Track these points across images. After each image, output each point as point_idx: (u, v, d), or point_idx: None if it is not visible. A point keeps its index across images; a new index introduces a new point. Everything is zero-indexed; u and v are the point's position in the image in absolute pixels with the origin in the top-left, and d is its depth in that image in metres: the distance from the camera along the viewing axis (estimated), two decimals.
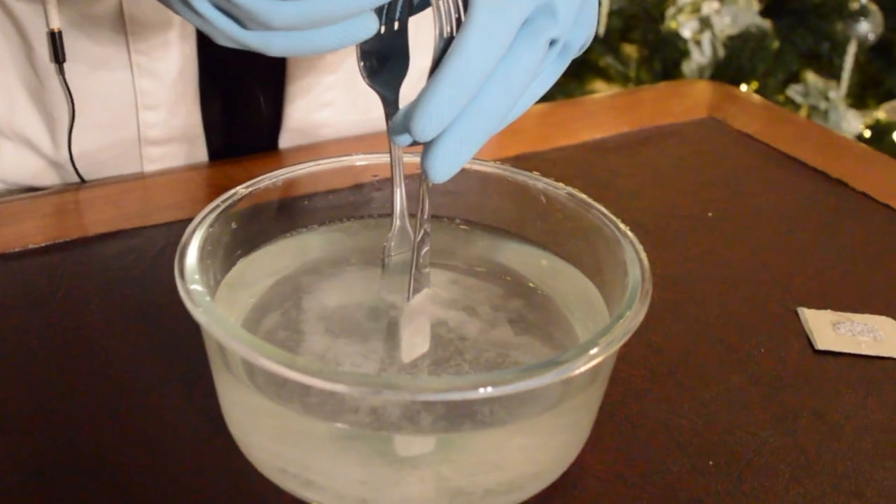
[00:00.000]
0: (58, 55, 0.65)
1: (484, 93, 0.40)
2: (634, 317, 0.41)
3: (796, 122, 0.96)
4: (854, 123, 1.82)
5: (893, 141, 1.99)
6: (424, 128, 0.39)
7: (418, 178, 0.45)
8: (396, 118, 0.42)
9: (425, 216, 0.47)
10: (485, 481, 0.42)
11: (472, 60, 0.38)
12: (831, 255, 0.67)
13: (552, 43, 0.42)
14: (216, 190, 0.71)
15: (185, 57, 0.69)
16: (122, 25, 0.66)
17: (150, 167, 0.73)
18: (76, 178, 0.71)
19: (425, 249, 0.48)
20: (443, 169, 0.40)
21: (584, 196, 0.50)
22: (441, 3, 0.40)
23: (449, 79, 0.38)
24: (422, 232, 0.47)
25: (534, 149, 0.80)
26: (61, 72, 0.66)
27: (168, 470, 0.45)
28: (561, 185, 0.51)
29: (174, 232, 0.63)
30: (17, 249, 0.60)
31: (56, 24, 0.65)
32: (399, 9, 0.45)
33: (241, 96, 0.77)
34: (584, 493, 0.45)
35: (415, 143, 0.41)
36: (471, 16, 0.39)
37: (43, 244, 0.61)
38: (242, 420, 0.44)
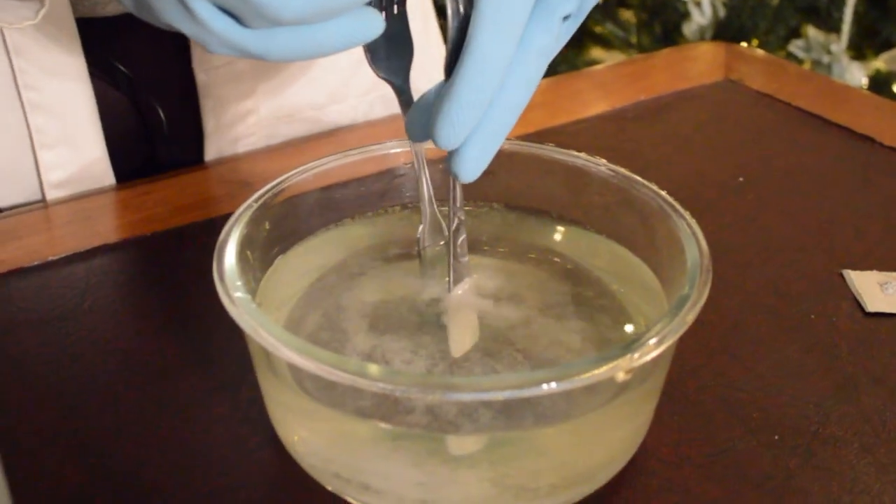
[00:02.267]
0: None
1: (504, 88, 0.38)
2: (700, 296, 0.39)
3: (812, 78, 0.94)
4: (857, 75, 1.81)
5: (893, 91, 1.97)
6: (448, 137, 0.38)
7: (445, 167, 0.43)
8: (411, 116, 0.41)
9: (457, 204, 0.45)
10: (549, 476, 0.41)
11: (489, 60, 0.37)
12: (868, 213, 0.66)
13: (565, 18, 0.40)
14: (234, 187, 0.69)
15: (79, 85, 0.65)
16: (8, 58, 0.62)
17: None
18: None
19: (461, 238, 0.46)
20: (472, 170, 0.39)
21: (627, 171, 0.48)
22: None
23: (467, 83, 0.37)
24: (456, 221, 0.46)
25: (550, 124, 0.78)
26: None
27: (218, 484, 0.43)
28: (601, 160, 0.49)
29: (198, 233, 0.62)
30: (36, 262, 0.59)
31: None
32: None
33: (149, 122, 0.72)
34: (651, 478, 0.43)
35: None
36: (479, 7, 0.37)
37: (64, 255, 0.59)
38: (294, 426, 0.43)
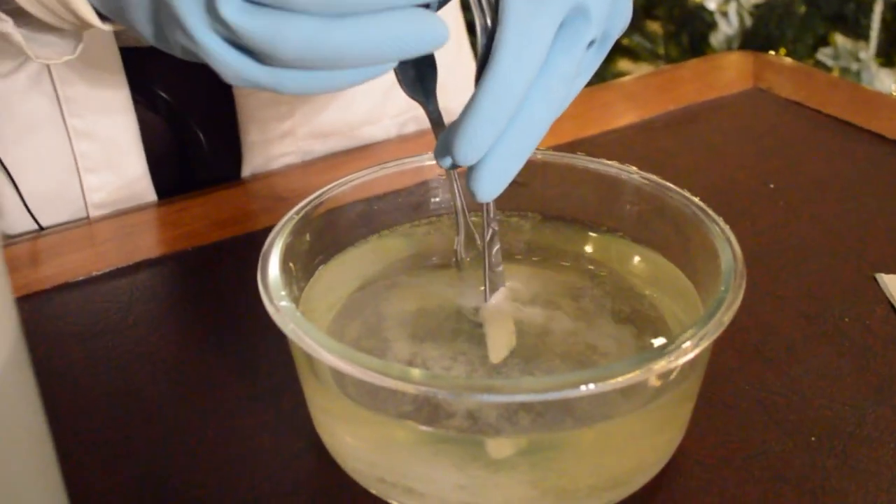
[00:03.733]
0: None
1: (524, 109, 0.39)
2: (735, 298, 0.40)
3: (841, 85, 0.94)
4: (887, 82, 1.80)
5: None
6: (466, 153, 0.38)
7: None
8: (440, 142, 0.41)
9: (491, 215, 0.46)
10: (589, 479, 0.41)
11: (509, 78, 0.37)
12: None
13: (590, 44, 0.41)
14: (271, 202, 0.71)
15: (123, 116, 0.67)
16: (54, 89, 0.64)
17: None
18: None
19: (496, 248, 0.47)
20: (488, 189, 0.39)
21: (659, 178, 0.49)
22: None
23: (486, 101, 0.37)
24: (490, 231, 0.46)
25: (581, 135, 0.79)
26: None
27: (263, 490, 0.44)
28: (633, 168, 0.50)
29: (236, 247, 0.63)
30: (81, 278, 0.60)
31: None
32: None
33: (190, 148, 0.74)
34: (690, 480, 0.44)
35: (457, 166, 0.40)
36: (502, 30, 0.37)
37: (107, 270, 0.61)
38: (337, 432, 0.44)
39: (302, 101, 0.74)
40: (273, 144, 0.74)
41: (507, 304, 0.48)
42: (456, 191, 0.48)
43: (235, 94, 0.71)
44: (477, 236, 0.49)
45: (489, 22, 0.39)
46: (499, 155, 0.39)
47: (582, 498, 0.42)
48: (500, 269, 0.48)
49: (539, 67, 0.38)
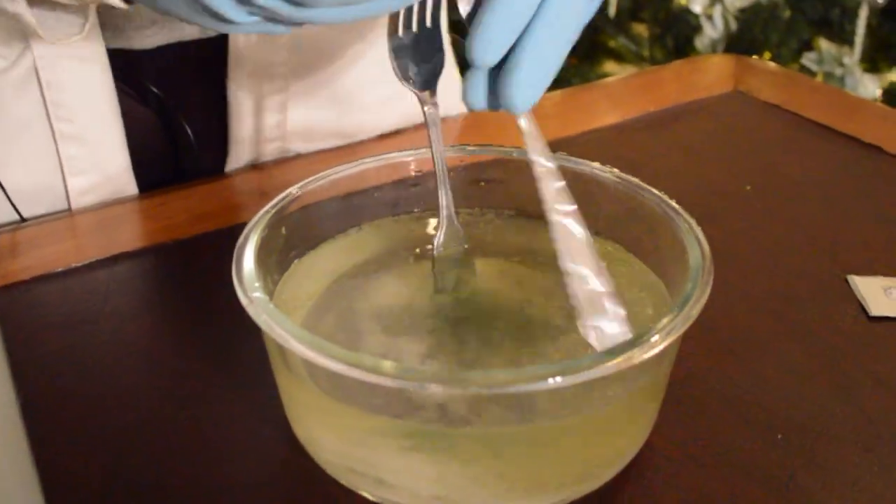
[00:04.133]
0: None
1: (543, 9, 0.38)
2: (702, 294, 0.40)
3: (821, 89, 0.95)
4: (871, 87, 1.81)
5: None
6: (486, 50, 0.37)
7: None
8: (469, 81, 0.40)
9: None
10: (557, 472, 0.42)
11: None
12: (874, 220, 0.67)
13: None
14: (251, 196, 0.71)
15: (111, 119, 0.67)
16: (41, 92, 0.64)
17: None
18: None
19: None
20: (523, 96, 0.38)
21: (633, 178, 0.49)
22: None
23: (499, 4, 0.37)
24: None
25: (560, 135, 0.80)
26: None
27: (237, 481, 0.45)
28: (607, 167, 0.51)
29: (216, 241, 0.63)
30: (60, 269, 0.60)
31: None
32: (431, 4, 0.45)
33: (176, 136, 0.74)
34: (657, 475, 0.45)
35: (494, 105, 0.40)
36: None
37: (86, 262, 0.61)
38: (309, 423, 0.44)
39: (296, 107, 0.74)
40: (261, 143, 0.74)
41: (482, 301, 0.49)
42: (440, 176, 0.48)
43: (229, 95, 0.71)
44: (460, 230, 0.50)
45: None
46: (526, 55, 0.38)
47: (551, 491, 0.42)
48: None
49: None
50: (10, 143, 0.66)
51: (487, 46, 0.37)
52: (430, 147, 0.48)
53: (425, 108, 0.47)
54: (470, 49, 0.38)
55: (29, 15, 0.50)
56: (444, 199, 0.49)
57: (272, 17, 0.38)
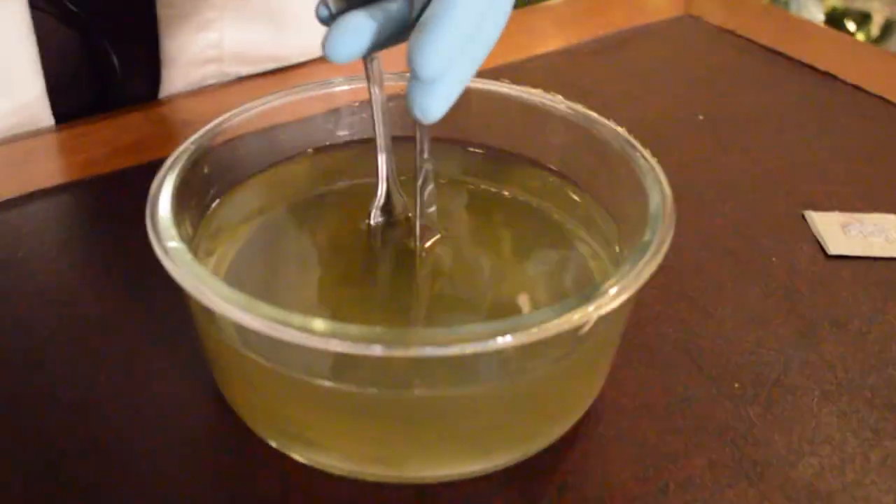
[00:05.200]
0: None
1: (479, 31, 0.37)
2: (661, 245, 0.37)
3: (774, 13, 0.92)
4: (814, 11, 1.79)
5: (847, 29, 1.96)
6: (434, 67, 0.35)
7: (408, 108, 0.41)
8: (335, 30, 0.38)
9: (425, 155, 0.42)
10: (504, 431, 0.39)
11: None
12: (830, 152, 0.64)
13: None
14: (179, 127, 0.66)
15: (19, 34, 0.62)
16: None
17: None
18: None
19: (429, 188, 0.43)
20: (440, 107, 0.37)
21: (585, 109, 0.46)
22: None
23: (459, 11, 0.35)
24: (423, 171, 0.43)
25: (505, 60, 0.76)
26: None
27: (159, 440, 0.41)
28: (558, 97, 0.47)
29: (138, 177, 0.59)
30: None
31: None
32: None
33: (101, 61, 0.68)
34: (609, 429, 0.42)
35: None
36: None
37: None
38: (235, 383, 0.41)
39: (232, 23, 0.69)
40: (196, 67, 0.69)
41: (431, 249, 0.45)
42: (381, 140, 0.44)
43: (158, 11, 0.66)
44: (402, 198, 0.45)
45: None
46: (457, 69, 0.36)
47: (498, 450, 0.39)
48: (433, 210, 0.44)
49: None
50: None
51: (433, 63, 0.35)
52: (372, 111, 0.44)
53: (367, 62, 0.43)
54: (414, 57, 0.35)
55: None
56: (384, 167, 0.44)
57: None
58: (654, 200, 0.39)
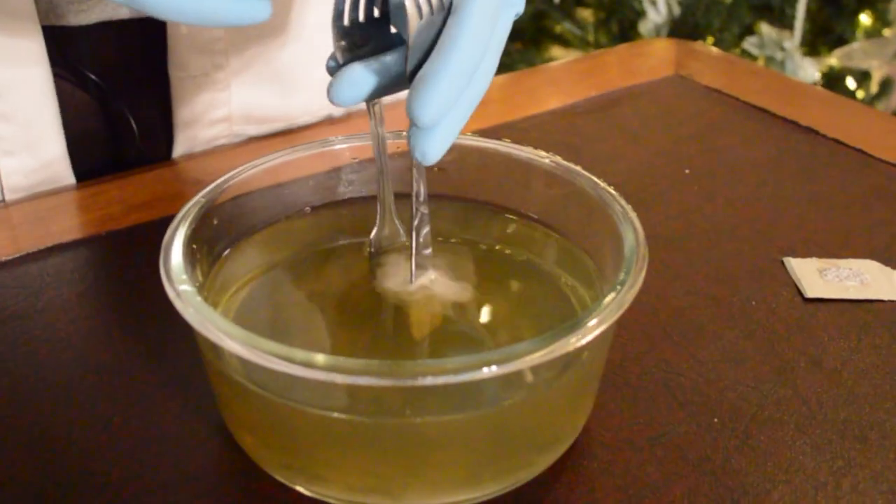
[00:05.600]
0: None
1: (473, 80, 0.41)
2: (636, 280, 0.40)
3: (761, 73, 0.96)
4: (810, 71, 1.83)
5: (847, 87, 2.00)
6: (432, 115, 0.39)
7: (410, 161, 0.44)
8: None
9: (421, 199, 0.46)
10: (493, 462, 0.42)
11: (472, 47, 0.39)
12: (810, 202, 0.67)
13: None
14: (190, 185, 0.70)
15: (43, 97, 0.65)
16: None
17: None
18: None
19: (425, 231, 0.47)
20: (439, 151, 0.40)
21: (569, 163, 0.49)
22: None
23: (453, 66, 0.39)
24: (419, 214, 0.46)
25: (502, 120, 0.80)
26: None
27: (170, 477, 0.44)
28: (542, 152, 0.50)
29: (151, 231, 0.62)
30: None
31: None
32: None
33: (118, 124, 0.72)
34: (593, 461, 0.45)
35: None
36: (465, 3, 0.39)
37: (18, 255, 0.60)
38: (241, 417, 0.44)
39: (240, 85, 0.73)
40: (206, 128, 0.73)
41: (422, 290, 0.48)
42: (383, 171, 0.48)
43: (171, 75, 0.70)
44: (401, 229, 0.49)
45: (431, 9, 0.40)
46: (451, 117, 0.40)
47: (486, 481, 0.42)
48: (429, 251, 0.47)
49: (493, 29, 0.41)
50: None
51: (435, 109, 0.39)
52: (375, 148, 0.47)
53: (370, 105, 0.46)
54: (412, 108, 0.39)
55: None
56: (386, 197, 0.48)
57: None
58: (629, 242, 0.43)
